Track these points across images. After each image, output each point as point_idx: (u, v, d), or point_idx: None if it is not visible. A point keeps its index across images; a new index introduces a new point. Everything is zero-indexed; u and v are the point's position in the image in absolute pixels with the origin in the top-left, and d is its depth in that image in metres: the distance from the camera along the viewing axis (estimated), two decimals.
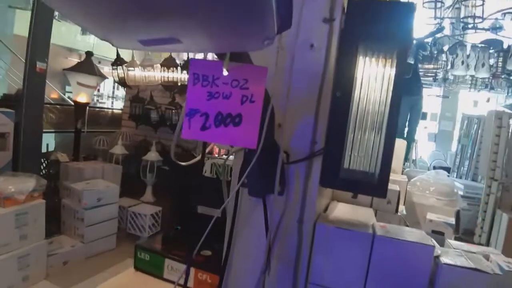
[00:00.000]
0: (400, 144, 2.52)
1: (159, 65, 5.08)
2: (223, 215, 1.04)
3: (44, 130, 4.11)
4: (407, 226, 1.44)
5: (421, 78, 5.83)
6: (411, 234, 0.99)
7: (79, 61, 5.17)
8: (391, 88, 0.95)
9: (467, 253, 1.13)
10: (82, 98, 4.67)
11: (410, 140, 5.79)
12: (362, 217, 1.20)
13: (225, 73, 0.61)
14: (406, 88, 5.24)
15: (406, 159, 6.13)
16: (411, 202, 2.20)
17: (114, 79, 5.40)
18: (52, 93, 7.20)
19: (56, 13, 5.75)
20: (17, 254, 2.82)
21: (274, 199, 1.00)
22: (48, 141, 5.00)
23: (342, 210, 1.28)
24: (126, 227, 4.25)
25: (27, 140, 3.72)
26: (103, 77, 4.83)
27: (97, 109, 6.51)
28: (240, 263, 1.06)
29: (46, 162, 4.41)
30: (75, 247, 3.52)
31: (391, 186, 1.63)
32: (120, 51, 5.33)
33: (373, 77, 0.96)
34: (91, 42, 8.55)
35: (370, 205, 1.46)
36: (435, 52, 5.82)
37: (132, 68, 5.20)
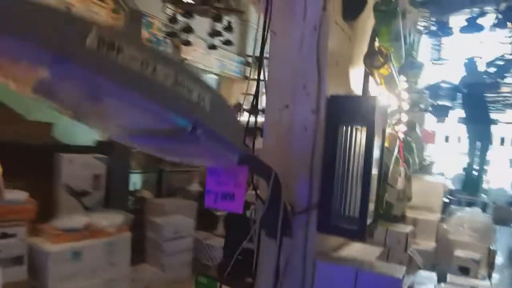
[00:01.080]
0: (434, 185, 2.67)
1: None
2: None
3: (131, 171, 4.85)
4: (417, 264, 1.67)
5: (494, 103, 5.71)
6: (389, 269, 1.27)
7: None
8: (363, 148, 1.27)
9: (456, 285, 1.35)
10: None
11: (481, 170, 5.63)
12: (363, 254, 1.48)
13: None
14: (472, 118, 5.19)
15: (477, 190, 5.91)
16: (446, 238, 2.35)
17: None
18: None
19: None
20: (105, 278, 3.42)
21: (284, 240, 1.35)
22: (136, 180, 5.79)
23: (353, 249, 1.57)
24: (200, 257, 4.76)
25: (117, 181, 4.45)
26: None
27: None
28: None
29: (133, 199, 5.15)
30: (156, 275, 4.08)
31: (405, 228, 1.86)
32: None
33: (350, 144, 1.29)
34: None
35: (384, 245, 1.72)
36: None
37: None
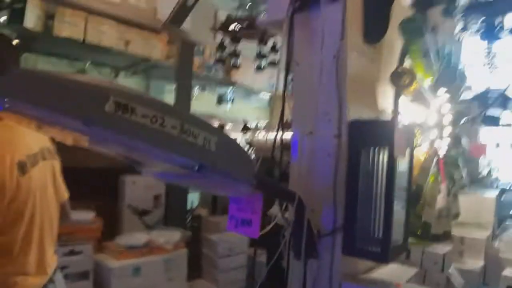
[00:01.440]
0: (485, 200, 2.53)
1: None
2: None
3: (189, 191, 5.10)
4: (455, 286, 1.62)
5: None
6: None
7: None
8: (385, 170, 1.30)
9: None
10: None
11: None
12: (395, 276, 1.49)
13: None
14: None
15: None
16: (496, 257, 2.22)
17: (245, 143, 6.32)
18: None
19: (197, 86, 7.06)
20: None
21: (311, 262, 1.41)
22: (193, 199, 6.07)
23: (387, 271, 1.58)
24: (253, 274, 4.85)
25: (176, 200, 4.72)
26: None
27: None
28: None
29: (190, 216, 5.41)
30: None
31: (443, 248, 1.82)
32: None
33: (372, 167, 1.33)
34: (224, 110, 9.71)
35: (420, 266, 1.69)
36: None
37: (257, 134, 6.04)
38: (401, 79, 1.56)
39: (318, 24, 1.47)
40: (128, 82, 8.91)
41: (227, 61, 5.47)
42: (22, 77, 0.67)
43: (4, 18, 4.86)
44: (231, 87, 7.53)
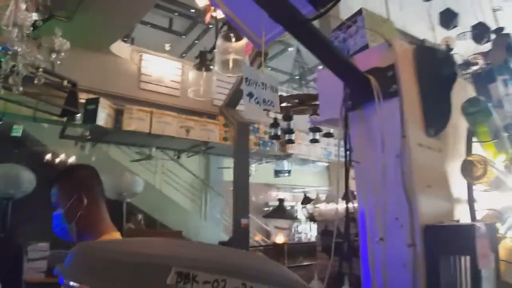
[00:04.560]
0: None
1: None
2: None
3: None
4: None
5: None
6: None
7: (275, 205, 6.18)
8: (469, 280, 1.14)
9: None
10: (280, 239, 5.49)
11: None
12: None
13: None
14: None
15: None
16: None
17: (304, 216, 6.16)
18: (255, 236, 8.51)
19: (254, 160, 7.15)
20: None
21: None
22: None
23: None
24: None
25: None
26: (294, 219, 5.63)
27: (298, 244, 7.28)
28: None
29: None
30: None
31: None
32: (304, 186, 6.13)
33: (454, 278, 1.17)
34: (282, 178, 9.71)
35: None
36: None
37: (318, 205, 5.88)
38: (472, 170, 1.43)
39: (375, 122, 1.42)
40: (190, 160, 9.35)
41: (282, 137, 5.55)
42: (82, 256, 0.68)
43: (79, 118, 5.45)
44: (286, 160, 7.57)
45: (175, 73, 6.88)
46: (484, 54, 3.81)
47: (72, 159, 6.00)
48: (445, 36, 4.48)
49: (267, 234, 8.54)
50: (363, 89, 1.42)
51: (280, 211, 5.56)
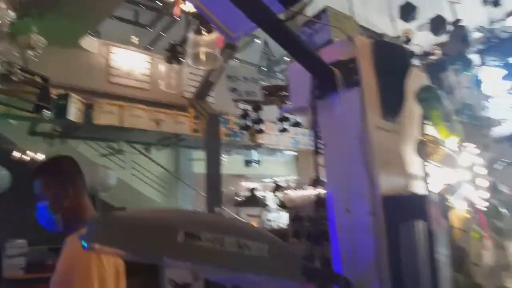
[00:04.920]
0: None
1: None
2: None
3: None
4: None
5: None
6: None
7: (246, 195, 6.36)
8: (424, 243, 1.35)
9: None
10: None
11: None
12: None
13: None
14: None
15: None
16: None
17: (276, 204, 6.38)
18: None
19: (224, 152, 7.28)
20: None
21: None
22: None
23: None
24: None
25: None
26: (264, 206, 5.84)
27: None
28: None
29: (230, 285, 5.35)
30: None
31: None
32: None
33: (411, 241, 1.38)
34: (252, 168, 9.92)
35: None
36: None
37: (288, 193, 6.11)
38: (425, 149, 1.64)
39: (339, 109, 1.61)
40: (159, 154, 9.36)
41: (251, 127, 5.72)
42: (103, 224, 0.82)
43: (49, 113, 5.38)
44: (256, 150, 7.77)
45: (144, 66, 6.87)
46: (442, 45, 4.11)
47: (42, 156, 5.91)
48: (405, 28, 4.77)
49: None
50: (329, 80, 1.59)
51: (252, 200, 5.74)
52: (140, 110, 5.95)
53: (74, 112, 5.23)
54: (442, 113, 1.85)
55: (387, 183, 1.53)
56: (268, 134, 6.96)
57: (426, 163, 1.74)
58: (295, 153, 9.71)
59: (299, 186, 6.06)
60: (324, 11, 1.88)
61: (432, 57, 3.97)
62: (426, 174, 1.74)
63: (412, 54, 2.06)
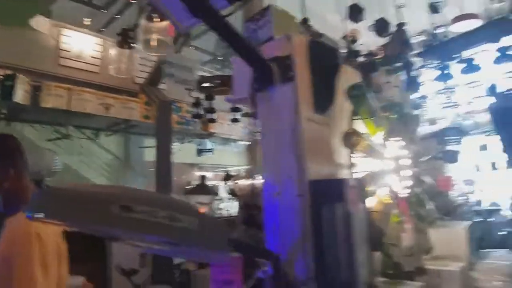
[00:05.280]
0: (456, 231, 2.69)
1: None
2: None
3: None
4: None
5: None
6: None
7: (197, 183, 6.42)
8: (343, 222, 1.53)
9: None
10: None
11: None
12: None
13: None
14: None
15: None
16: (474, 286, 2.37)
17: (227, 192, 6.51)
18: None
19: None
20: None
21: None
22: None
23: None
24: None
25: (162, 257, 4.77)
26: (215, 194, 5.95)
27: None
28: None
29: (178, 272, 5.42)
30: None
31: (412, 285, 2.02)
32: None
33: (333, 220, 1.56)
34: (205, 158, 9.95)
35: None
36: None
37: (238, 181, 6.25)
38: (350, 140, 1.84)
39: (275, 102, 1.76)
40: (109, 141, 9.15)
41: (204, 116, 5.77)
42: (45, 195, 0.90)
43: None
44: (209, 139, 7.84)
45: (95, 49, 6.68)
46: (385, 46, 4.39)
47: None
48: (352, 28, 5.03)
49: None
50: (267, 74, 1.73)
51: (202, 188, 5.83)
52: (89, 94, 5.79)
53: (21, 94, 5.01)
54: (368, 109, 2.06)
55: (315, 169, 1.70)
56: (221, 124, 7.05)
57: (351, 153, 1.94)
58: (249, 143, 9.86)
59: (249, 175, 6.22)
60: (267, 8, 2.00)
61: (377, 58, 4.26)
62: (352, 163, 1.94)
63: (342, 55, 2.23)
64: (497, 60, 4.04)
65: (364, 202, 1.72)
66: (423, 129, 3.21)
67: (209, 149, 8.30)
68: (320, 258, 1.57)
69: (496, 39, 3.87)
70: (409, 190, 2.51)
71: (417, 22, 5.57)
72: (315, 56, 1.83)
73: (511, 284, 2.44)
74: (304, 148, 1.67)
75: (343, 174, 1.89)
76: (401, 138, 2.50)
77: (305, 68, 1.80)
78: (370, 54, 4.64)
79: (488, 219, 9.19)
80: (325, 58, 1.86)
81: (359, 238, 1.61)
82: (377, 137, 2.15)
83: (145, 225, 0.96)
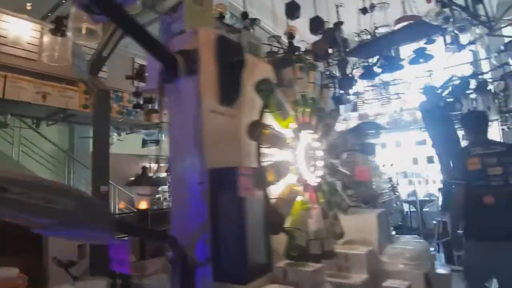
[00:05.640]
0: (367, 218, 2.90)
1: None
2: None
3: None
4: None
5: None
6: None
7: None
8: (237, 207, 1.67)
9: None
10: (143, 205, 5.79)
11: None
12: None
13: None
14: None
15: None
16: (380, 270, 2.57)
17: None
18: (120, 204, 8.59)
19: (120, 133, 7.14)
20: None
21: None
22: None
23: None
24: None
25: (100, 248, 4.75)
26: (157, 186, 5.96)
27: (162, 210, 7.63)
28: None
29: None
30: None
31: (316, 266, 2.18)
32: None
33: (230, 207, 1.69)
34: (154, 149, 9.78)
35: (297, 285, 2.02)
36: None
37: None
38: (255, 131, 1.97)
39: (181, 93, 1.85)
40: (51, 130, 8.81)
41: (145, 106, 5.76)
42: None
43: None
44: (155, 130, 7.76)
45: (33, 36, 6.39)
46: (313, 44, 4.61)
47: None
48: (290, 24, 5.22)
49: (132, 202, 8.66)
50: (173, 67, 1.82)
51: (143, 179, 5.82)
52: (25, 81, 5.56)
53: None
54: (276, 102, 2.21)
55: (219, 159, 1.82)
56: (166, 114, 7.03)
57: (259, 144, 2.07)
58: None
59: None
60: (180, 3, 2.09)
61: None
62: (260, 153, 2.07)
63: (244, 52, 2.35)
64: (412, 61, 4.36)
65: (262, 189, 1.86)
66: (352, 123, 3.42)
67: (154, 140, 8.22)
68: (216, 241, 1.70)
69: (415, 40, 4.19)
70: (319, 180, 2.68)
71: (362, 23, 5.85)
72: (222, 51, 1.94)
73: (414, 267, 2.67)
74: (205, 137, 1.78)
75: (249, 163, 2.02)
76: (313, 131, 2.67)
77: (211, 62, 1.91)
78: (306, 51, 4.85)
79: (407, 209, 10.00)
80: (231, 54, 1.97)
81: (253, 222, 1.75)
82: (282, 129, 2.29)
83: (20, 206, 1.03)
